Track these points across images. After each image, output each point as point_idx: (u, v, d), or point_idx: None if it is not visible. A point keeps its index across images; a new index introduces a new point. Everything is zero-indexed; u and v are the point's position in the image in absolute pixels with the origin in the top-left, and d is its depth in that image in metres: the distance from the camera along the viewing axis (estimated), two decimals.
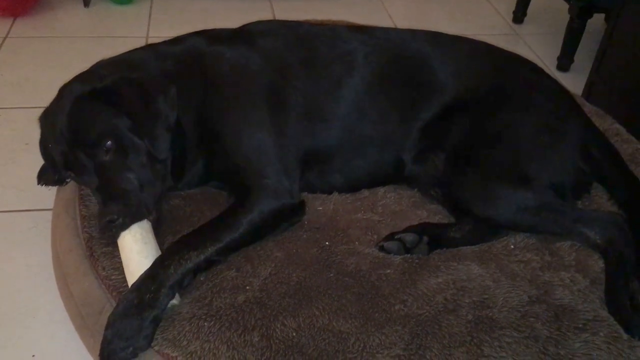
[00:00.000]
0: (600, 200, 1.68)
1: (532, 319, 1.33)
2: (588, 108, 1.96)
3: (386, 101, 1.69)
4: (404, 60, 1.75)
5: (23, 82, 2.82)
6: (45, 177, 1.62)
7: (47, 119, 1.47)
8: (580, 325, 1.32)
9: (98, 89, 1.42)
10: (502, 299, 1.37)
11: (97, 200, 1.41)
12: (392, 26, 3.43)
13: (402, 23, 3.53)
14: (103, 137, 1.38)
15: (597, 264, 1.48)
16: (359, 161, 1.70)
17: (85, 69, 1.58)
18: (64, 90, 1.47)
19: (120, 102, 1.41)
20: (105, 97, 1.41)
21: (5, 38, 3.14)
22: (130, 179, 1.39)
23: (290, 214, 1.55)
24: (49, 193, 1.76)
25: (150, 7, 3.57)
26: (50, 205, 1.77)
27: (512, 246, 1.52)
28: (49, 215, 1.78)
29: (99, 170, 1.39)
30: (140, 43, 2.91)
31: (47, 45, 3.13)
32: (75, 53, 3.06)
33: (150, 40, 3.10)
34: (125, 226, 1.35)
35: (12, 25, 3.26)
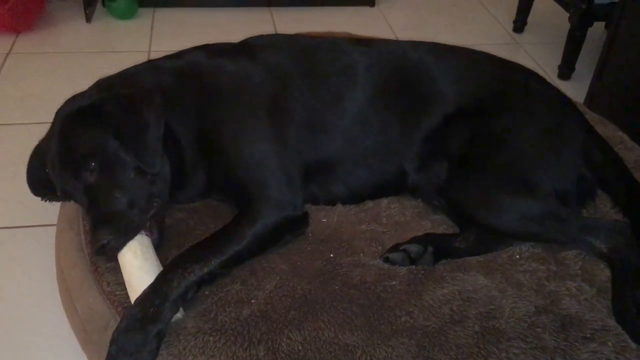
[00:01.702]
0: (604, 208, 1.67)
1: (539, 329, 1.32)
2: (590, 116, 1.96)
3: (388, 112, 1.70)
4: (405, 71, 1.75)
5: (26, 97, 2.83)
6: (48, 192, 1.62)
7: (45, 141, 1.50)
8: (588, 335, 1.31)
9: (83, 108, 1.43)
10: (508, 309, 1.36)
11: (89, 221, 1.41)
12: (393, 37, 3.45)
13: (403, 33, 3.55)
14: (87, 158, 1.38)
15: (603, 272, 1.47)
16: (362, 172, 1.70)
17: (88, 84, 1.59)
18: (58, 111, 1.49)
19: (106, 119, 1.41)
20: (91, 115, 1.42)
21: (8, 54, 3.16)
22: (118, 198, 1.38)
23: (293, 226, 1.54)
24: (53, 208, 1.76)
25: (152, 21, 3.59)
26: (54, 220, 1.77)
27: (517, 256, 1.52)
28: (52, 230, 1.78)
29: (87, 192, 1.40)
30: (142, 57, 2.93)
31: (49, 61, 3.15)
32: (78, 68, 3.08)
33: (153, 54, 3.13)
34: (118, 248, 1.35)
35: (15, 41, 3.28)
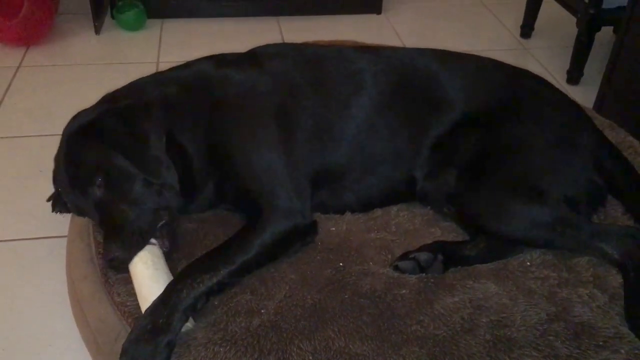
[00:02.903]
0: (615, 213, 1.66)
1: (551, 337, 1.31)
2: (600, 121, 1.95)
3: (396, 120, 1.69)
4: (413, 78, 1.75)
5: (36, 109, 2.85)
6: (59, 204, 1.64)
7: (55, 158, 1.52)
8: (601, 343, 1.30)
9: (84, 125, 1.46)
10: (520, 317, 1.35)
11: (102, 235, 1.44)
12: (400, 44, 3.46)
13: (410, 41, 3.55)
14: (92, 175, 1.40)
15: (615, 279, 1.46)
16: (370, 180, 1.69)
17: (98, 95, 1.61)
18: (64, 129, 1.51)
19: (106, 134, 1.43)
20: (91, 132, 1.44)
21: (18, 67, 3.20)
22: (125, 211, 1.39)
23: (302, 235, 1.54)
24: (64, 220, 1.77)
25: (161, 32, 3.62)
26: (65, 232, 1.78)
27: (528, 263, 1.50)
28: (63, 242, 1.79)
29: (97, 207, 1.42)
30: (151, 68, 2.96)
31: (59, 73, 3.18)
32: (88, 80, 3.10)
33: (161, 65, 3.15)
34: (126, 260, 1.37)
35: (25, 54, 3.31)
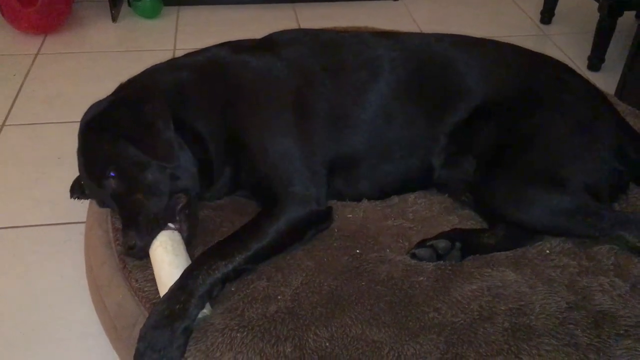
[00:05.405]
0: (637, 201, 1.63)
1: (571, 325, 1.29)
2: (622, 107, 1.92)
3: (413, 106, 1.68)
4: (430, 64, 1.73)
5: (55, 97, 2.87)
6: (77, 190, 1.65)
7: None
8: (622, 332, 1.28)
9: (93, 119, 1.46)
10: (539, 305, 1.34)
11: (121, 224, 1.45)
12: (417, 30, 3.42)
13: (427, 27, 3.52)
14: (105, 168, 1.41)
15: (637, 267, 1.44)
16: (387, 167, 1.68)
17: (115, 83, 1.61)
18: (80, 122, 1.51)
19: (114, 125, 1.43)
20: (101, 124, 1.45)
21: (36, 55, 3.22)
22: (140, 199, 1.40)
23: (317, 221, 1.53)
24: (82, 206, 1.79)
25: (177, 20, 3.62)
26: (83, 218, 1.79)
27: (547, 251, 1.49)
28: (82, 228, 1.80)
29: (114, 197, 1.44)
30: (168, 56, 2.94)
31: (77, 61, 3.20)
32: (105, 68, 3.11)
33: (178, 52, 3.16)
34: (144, 248, 1.38)
35: (43, 42, 3.33)
